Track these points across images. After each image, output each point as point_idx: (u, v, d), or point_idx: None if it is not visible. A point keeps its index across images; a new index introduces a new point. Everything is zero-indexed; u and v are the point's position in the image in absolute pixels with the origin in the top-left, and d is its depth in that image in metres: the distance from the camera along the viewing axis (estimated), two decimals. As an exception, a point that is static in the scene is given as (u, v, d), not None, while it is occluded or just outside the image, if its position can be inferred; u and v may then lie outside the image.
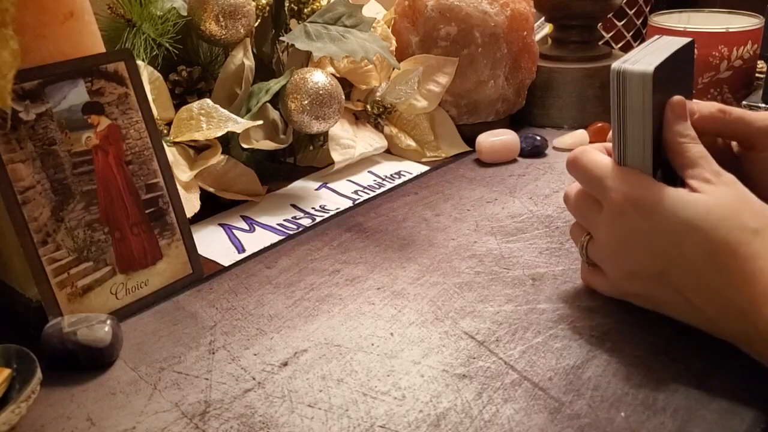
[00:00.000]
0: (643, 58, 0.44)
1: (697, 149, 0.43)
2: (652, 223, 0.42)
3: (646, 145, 0.43)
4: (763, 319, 0.38)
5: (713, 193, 0.41)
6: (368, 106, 0.77)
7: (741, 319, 0.39)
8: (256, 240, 0.61)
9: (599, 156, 0.46)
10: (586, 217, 0.47)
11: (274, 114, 0.70)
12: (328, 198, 0.70)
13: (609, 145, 0.47)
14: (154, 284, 0.52)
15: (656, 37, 0.48)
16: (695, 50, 0.78)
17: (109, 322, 0.46)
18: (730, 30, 0.82)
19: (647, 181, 0.43)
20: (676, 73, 0.46)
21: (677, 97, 0.44)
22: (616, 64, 0.43)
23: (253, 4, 0.69)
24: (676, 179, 0.43)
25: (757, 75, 0.87)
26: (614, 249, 0.45)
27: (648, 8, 1.07)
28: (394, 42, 0.79)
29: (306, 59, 0.73)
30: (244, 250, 0.60)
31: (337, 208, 0.67)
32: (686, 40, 0.47)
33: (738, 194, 0.41)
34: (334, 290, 0.53)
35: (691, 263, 0.41)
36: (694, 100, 0.47)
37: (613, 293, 0.48)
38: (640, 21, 1.06)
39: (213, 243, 0.61)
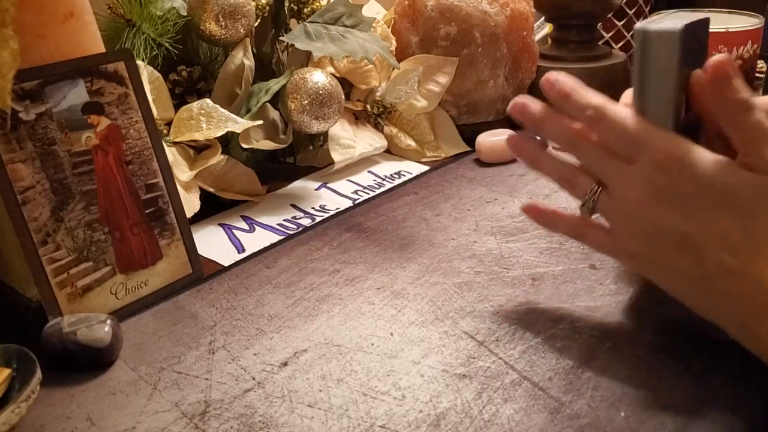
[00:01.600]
0: (667, 21, 0.41)
1: (756, 119, 0.39)
2: (695, 187, 0.39)
3: (668, 109, 0.41)
4: None
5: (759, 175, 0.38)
6: (368, 106, 0.77)
7: (758, 301, 0.37)
8: (256, 240, 0.61)
9: (623, 109, 0.43)
10: (605, 167, 0.44)
11: (274, 114, 0.70)
12: (328, 198, 0.70)
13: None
14: (154, 284, 0.52)
15: (671, 11, 0.46)
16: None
17: (109, 322, 0.46)
18: (730, 30, 0.81)
19: (693, 145, 0.40)
20: (698, 45, 0.43)
21: (718, 56, 0.39)
22: (638, 25, 0.41)
23: (253, 4, 0.69)
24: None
25: (757, 75, 0.87)
26: (642, 205, 0.42)
27: (648, 8, 1.07)
28: (394, 42, 0.79)
29: (306, 59, 0.73)
30: (244, 250, 0.60)
31: (337, 208, 0.67)
32: (703, 15, 0.44)
33: None
34: (334, 290, 0.53)
35: (722, 234, 0.39)
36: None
37: (611, 251, 0.45)
38: (640, 21, 1.06)
39: (213, 243, 0.61)
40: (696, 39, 0.44)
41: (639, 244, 0.43)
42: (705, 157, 0.40)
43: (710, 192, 0.39)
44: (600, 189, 0.44)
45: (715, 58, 0.40)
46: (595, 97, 0.44)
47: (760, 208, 0.38)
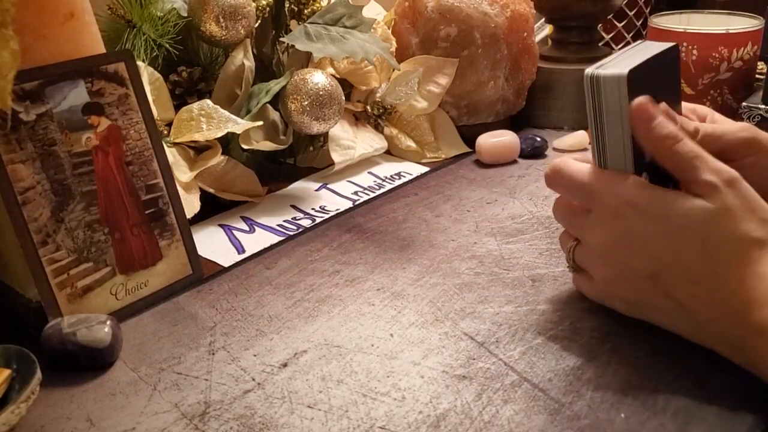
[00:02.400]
0: (619, 63, 0.43)
1: (686, 148, 0.40)
2: (649, 225, 0.41)
3: (626, 150, 0.42)
4: (759, 322, 0.37)
5: (714, 199, 0.39)
6: (368, 107, 0.77)
7: (736, 322, 0.38)
8: (256, 241, 0.61)
9: (579, 164, 0.45)
10: (573, 223, 0.47)
11: (274, 115, 0.70)
12: (328, 199, 0.70)
13: (583, 155, 0.46)
14: (154, 285, 0.52)
15: (638, 42, 0.47)
16: (694, 52, 0.78)
17: (108, 322, 0.46)
18: (730, 31, 0.82)
19: (642, 183, 0.42)
20: (659, 77, 0.45)
21: (637, 100, 0.41)
22: (589, 70, 0.43)
23: (254, 4, 0.69)
24: (668, 181, 0.42)
25: (757, 76, 0.87)
26: (606, 251, 0.44)
27: (648, 9, 1.07)
28: (394, 43, 0.79)
29: (306, 60, 0.73)
30: (244, 251, 0.60)
31: (337, 209, 0.67)
32: (668, 44, 0.46)
33: (741, 198, 0.39)
34: (334, 291, 0.53)
35: (686, 268, 0.40)
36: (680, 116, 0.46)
37: (601, 298, 0.47)
38: (640, 22, 1.06)
39: (213, 244, 0.61)
40: (657, 74, 0.45)
41: (618, 288, 0.45)
42: (655, 195, 0.41)
43: (665, 229, 0.41)
44: (576, 243, 0.47)
45: (635, 102, 0.41)
46: (558, 160, 0.47)
47: (711, 231, 0.39)
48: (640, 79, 0.42)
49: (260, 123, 0.65)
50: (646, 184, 0.42)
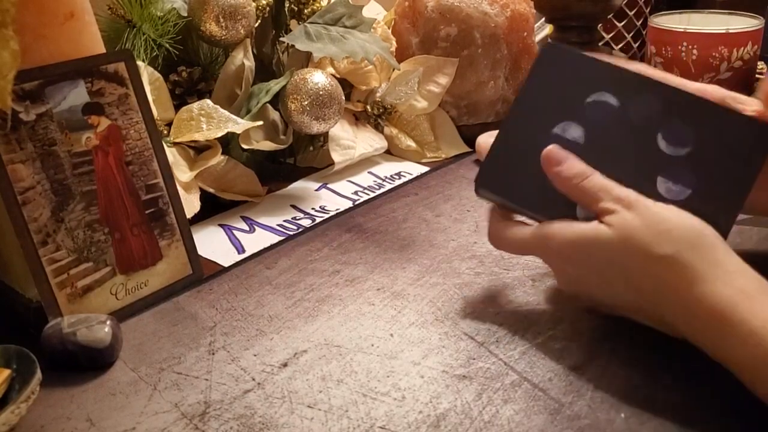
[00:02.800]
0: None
1: (591, 183, 0.42)
2: (583, 270, 0.43)
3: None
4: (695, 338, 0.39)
5: (616, 224, 0.40)
6: (368, 107, 0.77)
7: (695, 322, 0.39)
8: (256, 240, 0.61)
9: (513, 229, 0.47)
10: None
11: (274, 115, 0.70)
12: (328, 199, 0.70)
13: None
14: (154, 285, 0.52)
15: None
16: (694, 52, 0.77)
17: (108, 322, 0.46)
18: (730, 31, 0.82)
19: (562, 232, 0.43)
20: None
21: (545, 150, 0.44)
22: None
23: (254, 4, 0.69)
24: None
25: (757, 76, 0.87)
26: (571, 289, 0.46)
27: (648, 9, 1.07)
28: (394, 43, 0.79)
29: (306, 60, 0.73)
30: (244, 251, 0.60)
31: (337, 209, 0.67)
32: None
33: (641, 216, 0.40)
34: (334, 291, 0.53)
35: (627, 301, 0.42)
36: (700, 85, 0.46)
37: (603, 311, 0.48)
38: (640, 22, 1.06)
39: (213, 243, 0.61)
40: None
41: (607, 308, 0.46)
42: (575, 241, 0.42)
43: (594, 268, 0.42)
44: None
45: (544, 152, 0.45)
46: (490, 227, 0.49)
47: (625, 257, 0.40)
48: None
49: (260, 123, 0.65)
50: (566, 231, 0.43)
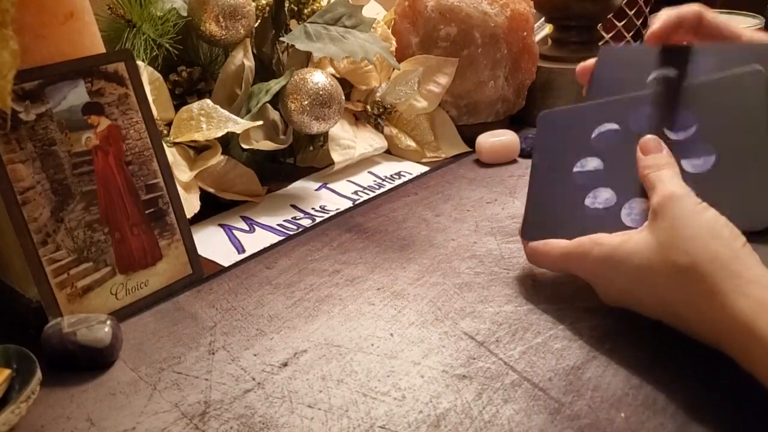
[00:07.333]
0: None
1: (653, 175, 0.44)
2: (617, 280, 0.44)
3: None
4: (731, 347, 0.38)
5: (646, 232, 0.41)
6: (368, 107, 0.77)
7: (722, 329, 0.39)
8: (256, 240, 0.61)
9: (551, 245, 0.48)
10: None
11: (274, 114, 0.70)
12: (328, 198, 0.70)
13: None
14: (154, 284, 0.52)
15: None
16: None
17: (108, 322, 0.46)
18: (730, 31, 0.81)
19: (591, 246, 0.44)
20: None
21: (642, 139, 0.46)
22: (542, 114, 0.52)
23: (253, 4, 0.69)
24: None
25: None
26: (611, 300, 0.46)
27: (648, 9, 1.07)
28: (394, 42, 0.79)
29: (306, 60, 0.73)
30: (244, 251, 0.60)
31: (337, 209, 0.67)
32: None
33: (668, 222, 0.41)
34: (334, 291, 0.53)
35: (663, 304, 0.42)
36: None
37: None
38: (640, 21, 1.06)
39: (213, 243, 0.61)
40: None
41: (649, 311, 0.45)
42: (603, 257, 0.44)
43: (627, 277, 0.43)
44: None
45: (641, 140, 0.46)
46: (531, 244, 0.50)
47: (648, 268, 0.41)
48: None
49: (260, 123, 0.65)
50: (603, 242, 0.44)
